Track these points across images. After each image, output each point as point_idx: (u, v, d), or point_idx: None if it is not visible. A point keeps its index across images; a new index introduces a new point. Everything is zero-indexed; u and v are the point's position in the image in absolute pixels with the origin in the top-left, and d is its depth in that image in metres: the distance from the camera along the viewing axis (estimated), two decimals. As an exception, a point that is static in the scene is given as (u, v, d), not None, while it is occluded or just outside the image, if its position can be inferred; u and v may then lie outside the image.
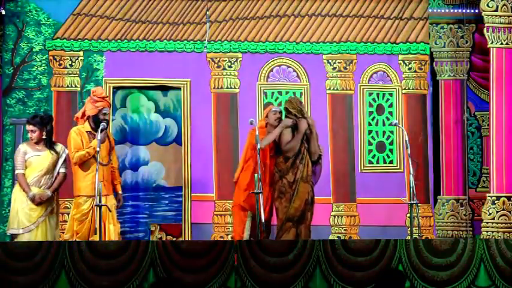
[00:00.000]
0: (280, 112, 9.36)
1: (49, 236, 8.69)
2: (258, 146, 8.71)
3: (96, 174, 8.35)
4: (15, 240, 8.59)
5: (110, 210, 8.72)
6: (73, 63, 10.44)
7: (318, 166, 9.19)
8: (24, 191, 8.65)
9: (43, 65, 10.42)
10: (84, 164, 8.82)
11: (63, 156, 8.85)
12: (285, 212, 8.99)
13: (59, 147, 8.86)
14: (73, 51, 10.46)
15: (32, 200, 8.62)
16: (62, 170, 8.84)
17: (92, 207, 8.68)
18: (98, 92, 8.98)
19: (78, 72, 10.44)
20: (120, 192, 9.09)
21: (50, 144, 8.78)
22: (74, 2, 10.54)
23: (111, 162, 8.97)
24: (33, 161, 8.71)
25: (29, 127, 8.75)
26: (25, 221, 8.63)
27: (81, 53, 10.47)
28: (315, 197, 9.22)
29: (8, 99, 10.29)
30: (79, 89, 10.43)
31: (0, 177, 10.17)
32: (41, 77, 10.40)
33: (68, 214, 10.02)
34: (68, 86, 10.42)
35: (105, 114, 8.88)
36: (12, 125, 10.24)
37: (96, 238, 8.32)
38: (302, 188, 8.98)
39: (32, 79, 10.39)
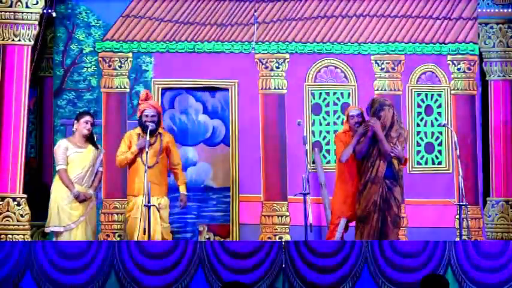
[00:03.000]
0: (358, 115, 9.32)
1: (89, 236, 8.79)
2: (305, 147, 8.77)
3: (142, 175, 8.46)
4: (54, 238, 8.70)
5: (158, 210, 8.81)
6: (122, 65, 10.53)
7: (391, 167, 9.04)
8: (67, 187, 8.74)
9: (93, 66, 10.52)
10: (131, 166, 8.99)
11: (101, 155, 9.00)
12: (357, 214, 8.97)
13: (98, 144, 9.07)
14: (122, 52, 10.55)
15: (76, 197, 8.72)
16: (100, 169, 8.99)
17: (135, 206, 8.80)
18: (140, 95, 9.24)
19: (127, 73, 10.53)
20: (183, 192, 9.19)
21: (92, 141, 8.94)
22: (123, 4, 10.63)
23: (159, 164, 9.03)
24: (75, 158, 8.82)
25: (89, 119, 8.91)
26: (66, 219, 8.72)
27: (130, 55, 10.56)
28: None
29: (59, 100, 10.41)
30: (128, 90, 10.51)
31: (52, 177, 10.28)
32: (90, 78, 10.51)
33: (118, 214, 10.18)
34: (117, 87, 10.52)
35: (147, 116, 9.00)
36: (62, 126, 10.35)
37: (145, 238, 8.39)
38: (371, 189, 8.89)
39: (82, 80, 10.50)
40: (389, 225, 8.83)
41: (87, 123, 8.91)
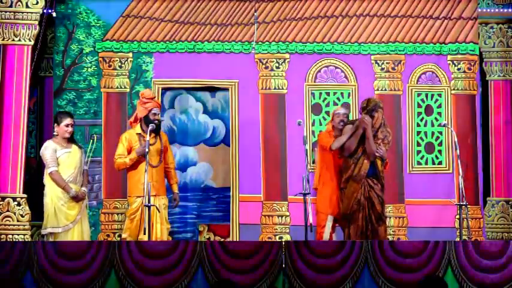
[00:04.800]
0: (344, 114, 9.35)
1: (85, 234, 8.81)
2: (305, 147, 8.77)
3: (145, 175, 8.46)
4: (51, 239, 8.69)
5: (158, 211, 8.84)
6: (122, 65, 10.53)
7: (374, 167, 9.06)
8: (64, 189, 8.71)
9: (93, 66, 10.52)
10: (133, 165, 9.00)
11: (83, 154, 9.01)
12: (341, 211, 9.01)
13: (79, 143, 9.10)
14: (122, 52, 10.55)
15: (75, 197, 8.71)
16: (85, 167, 8.99)
17: (141, 206, 8.81)
18: (146, 94, 9.25)
19: (127, 73, 10.53)
20: (176, 191, 9.27)
21: (73, 140, 8.95)
22: (123, 4, 10.63)
23: (162, 163, 9.12)
24: (64, 158, 8.80)
25: (70, 121, 8.88)
26: (64, 219, 8.72)
27: (130, 55, 10.56)
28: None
29: (59, 100, 10.41)
30: (128, 90, 10.52)
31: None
32: (90, 78, 10.51)
33: (118, 214, 10.19)
34: (117, 87, 10.51)
35: (155, 114, 9.10)
36: (62, 126, 10.35)
37: (145, 238, 8.40)
38: (352, 187, 8.92)
39: (82, 80, 10.50)
40: (374, 223, 8.86)
41: (67, 126, 8.87)
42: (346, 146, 9.01)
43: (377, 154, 8.93)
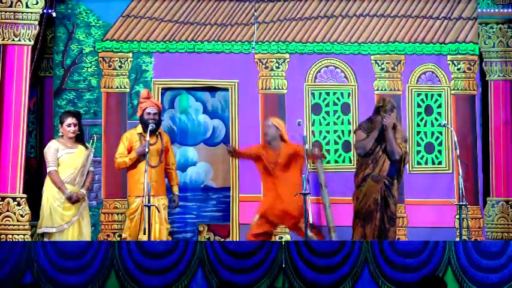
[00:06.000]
0: (267, 126, 9.46)
1: (83, 235, 8.80)
2: (305, 147, 8.76)
3: (145, 175, 8.46)
4: (46, 239, 8.70)
5: (158, 211, 8.85)
6: (122, 65, 10.53)
7: (395, 166, 9.07)
8: (59, 189, 8.73)
9: (93, 66, 10.52)
10: (133, 165, 9.02)
11: (91, 155, 8.99)
12: (355, 209, 9.02)
13: (87, 143, 9.06)
14: (122, 52, 10.55)
15: (69, 198, 8.71)
16: (91, 169, 8.99)
17: (140, 206, 8.82)
18: (141, 94, 9.32)
19: (127, 73, 10.53)
20: (176, 193, 9.29)
21: (82, 140, 8.94)
22: (123, 4, 10.63)
23: (163, 163, 9.14)
24: (66, 159, 8.81)
25: (72, 120, 8.87)
26: (59, 219, 8.72)
27: (130, 55, 10.56)
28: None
29: (59, 100, 10.41)
30: (128, 90, 10.51)
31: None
32: (90, 78, 10.51)
33: (118, 214, 10.19)
34: (117, 87, 10.51)
35: (149, 113, 9.10)
36: (62, 126, 10.35)
37: (145, 238, 8.41)
38: (370, 186, 8.91)
39: (82, 80, 10.50)
40: (385, 223, 8.86)
41: (69, 126, 8.87)
42: (360, 146, 9.01)
43: (397, 157, 8.95)
